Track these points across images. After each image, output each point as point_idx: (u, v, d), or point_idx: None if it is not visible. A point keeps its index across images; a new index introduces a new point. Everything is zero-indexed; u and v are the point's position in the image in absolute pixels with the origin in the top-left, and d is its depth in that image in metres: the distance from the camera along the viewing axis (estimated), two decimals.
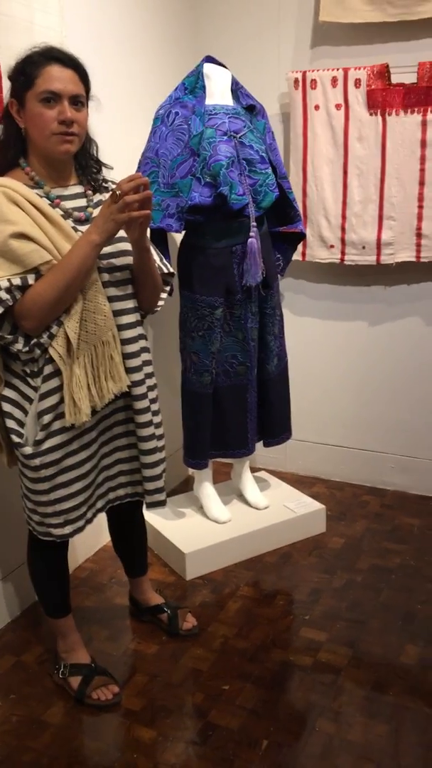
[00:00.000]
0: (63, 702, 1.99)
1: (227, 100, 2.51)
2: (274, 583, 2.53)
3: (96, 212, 1.73)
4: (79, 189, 1.79)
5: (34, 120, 1.65)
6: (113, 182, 1.86)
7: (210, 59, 2.53)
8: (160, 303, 1.93)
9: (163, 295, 1.94)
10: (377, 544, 2.75)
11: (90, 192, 1.80)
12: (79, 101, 1.67)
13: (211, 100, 2.47)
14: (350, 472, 3.27)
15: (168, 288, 1.98)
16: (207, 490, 2.82)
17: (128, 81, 2.64)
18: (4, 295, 1.58)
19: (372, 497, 3.14)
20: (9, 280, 1.58)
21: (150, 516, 2.58)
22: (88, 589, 2.49)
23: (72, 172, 1.79)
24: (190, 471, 3.23)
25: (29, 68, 1.64)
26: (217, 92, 2.49)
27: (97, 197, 1.81)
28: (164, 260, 1.96)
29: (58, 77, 1.63)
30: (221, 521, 2.73)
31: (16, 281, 1.59)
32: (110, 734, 1.88)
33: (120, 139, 2.49)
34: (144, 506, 2.01)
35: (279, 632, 2.25)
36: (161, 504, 1.97)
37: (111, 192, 1.61)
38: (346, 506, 3.06)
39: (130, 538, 2.22)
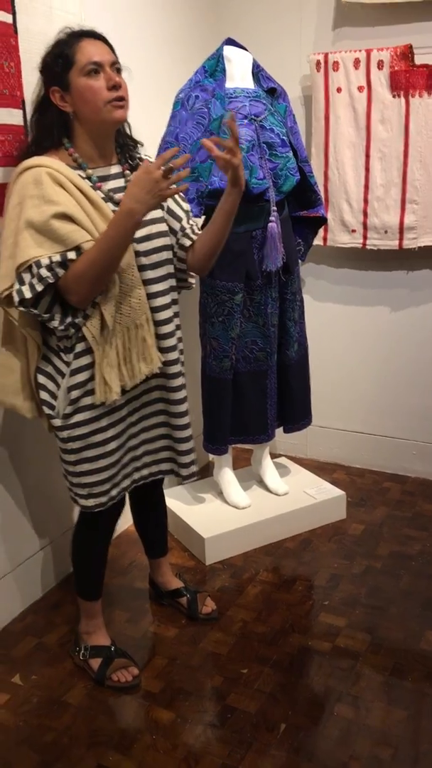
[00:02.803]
0: (83, 683, 2.01)
1: (248, 83, 2.48)
2: (294, 568, 2.53)
3: None
4: (118, 169, 1.82)
5: (84, 95, 1.68)
6: (148, 158, 1.90)
7: (231, 42, 2.51)
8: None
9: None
10: (397, 530, 2.74)
11: (128, 171, 1.83)
12: (118, 67, 1.73)
13: (231, 83, 2.45)
14: (371, 458, 3.26)
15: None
16: (227, 476, 2.82)
17: (148, 65, 2.63)
18: (45, 273, 1.61)
19: (393, 484, 3.12)
20: (50, 257, 1.61)
21: (170, 501, 2.59)
22: (110, 573, 2.50)
23: (114, 151, 1.82)
24: (211, 457, 3.24)
25: (65, 49, 1.68)
26: (238, 75, 2.47)
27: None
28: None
29: (95, 50, 1.68)
30: (241, 507, 2.74)
31: (57, 258, 1.62)
32: (130, 716, 1.90)
33: (140, 123, 2.47)
34: (181, 479, 2.05)
35: (298, 617, 2.26)
36: (195, 476, 2.04)
37: (146, 163, 1.61)
38: (367, 493, 3.05)
39: (152, 514, 2.25)
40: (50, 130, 1.74)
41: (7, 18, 1.85)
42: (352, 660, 2.06)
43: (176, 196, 1.89)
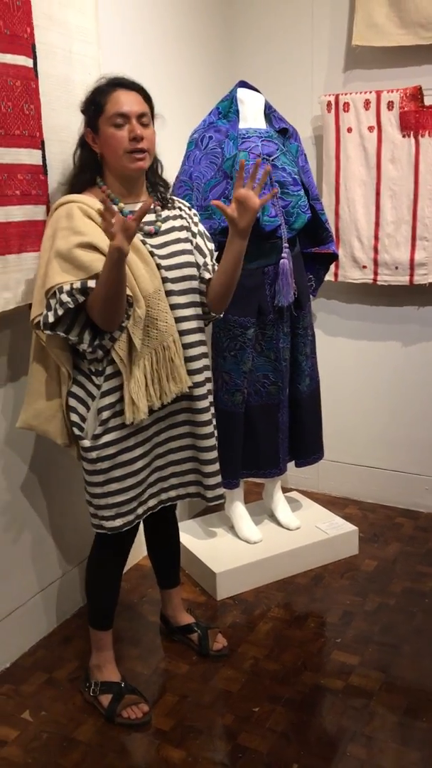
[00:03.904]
0: (93, 720, 1.99)
1: (260, 123, 2.54)
2: (306, 605, 2.51)
3: (165, 226, 1.91)
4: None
5: (108, 142, 1.81)
6: (178, 199, 2.04)
7: (243, 84, 2.58)
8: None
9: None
10: (411, 567, 2.72)
11: (159, 207, 1.93)
12: (144, 121, 1.82)
13: (244, 123, 2.51)
14: (383, 493, 3.24)
15: None
16: (238, 510, 2.81)
17: (163, 106, 2.66)
18: (65, 298, 1.69)
19: (406, 519, 3.10)
20: (71, 284, 1.69)
21: (182, 535, 2.58)
22: (120, 608, 2.48)
23: (143, 189, 1.93)
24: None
25: (98, 97, 1.83)
26: (251, 116, 2.53)
27: (165, 213, 1.94)
28: None
29: (124, 100, 1.80)
30: (252, 541, 2.73)
31: (77, 285, 1.69)
32: (140, 753, 1.88)
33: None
34: (206, 502, 2.06)
35: (310, 655, 2.23)
36: (221, 498, 2.05)
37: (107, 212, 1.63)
38: (379, 528, 3.03)
39: (166, 542, 2.26)
40: (85, 167, 1.89)
41: (28, 62, 1.91)
42: (365, 699, 2.03)
43: (204, 236, 2.00)
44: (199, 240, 1.98)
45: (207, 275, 1.95)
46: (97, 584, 2.07)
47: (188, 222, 1.98)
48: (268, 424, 2.64)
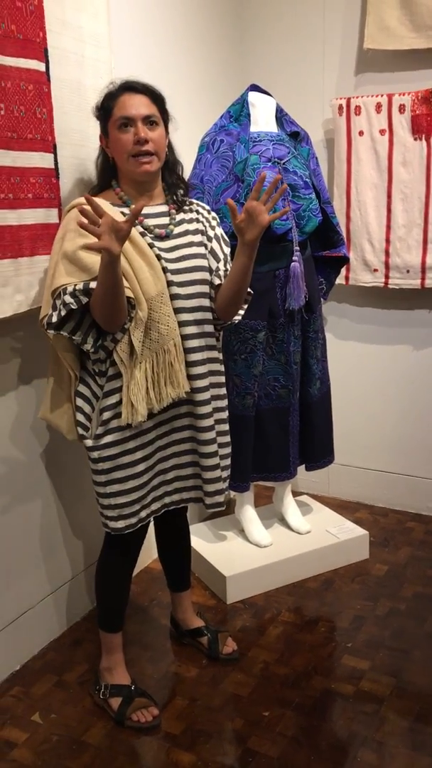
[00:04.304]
0: (103, 723, 1.99)
1: (271, 127, 2.54)
2: (316, 609, 2.50)
3: (177, 229, 1.90)
4: (163, 208, 1.92)
5: (115, 145, 1.85)
6: (197, 202, 2.02)
7: (255, 87, 2.58)
8: (236, 317, 1.99)
9: (241, 312, 2.00)
10: (422, 571, 2.70)
11: (173, 211, 1.92)
12: (153, 121, 1.83)
13: (255, 127, 2.51)
14: (394, 497, 3.23)
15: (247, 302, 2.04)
16: (248, 514, 2.81)
17: (174, 110, 2.68)
18: (69, 299, 1.70)
19: (417, 524, 3.08)
20: (74, 285, 1.70)
21: (192, 538, 2.58)
22: (130, 611, 2.49)
23: (160, 190, 1.93)
24: (232, 494, 3.23)
25: (107, 101, 1.85)
26: (262, 120, 2.53)
27: (180, 216, 1.93)
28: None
29: (130, 103, 1.81)
30: (262, 545, 2.72)
31: (80, 286, 1.70)
32: (149, 757, 1.88)
33: None
34: (205, 508, 2.05)
35: (320, 659, 2.23)
36: (219, 506, 2.03)
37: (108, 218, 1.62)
38: (390, 533, 3.01)
39: (176, 544, 2.26)
40: (103, 171, 1.94)
41: (41, 66, 1.92)
42: (376, 704, 2.02)
43: (221, 241, 1.98)
44: (214, 244, 1.96)
45: (217, 281, 1.93)
46: (106, 585, 2.07)
47: (204, 226, 1.97)
48: (279, 428, 2.64)
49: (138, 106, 1.81)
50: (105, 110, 1.85)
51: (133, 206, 1.66)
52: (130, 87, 1.84)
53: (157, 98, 1.87)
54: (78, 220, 1.59)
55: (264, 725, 1.96)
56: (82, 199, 1.81)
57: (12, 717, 2.02)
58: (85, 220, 1.56)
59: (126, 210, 1.84)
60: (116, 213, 1.78)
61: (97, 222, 1.56)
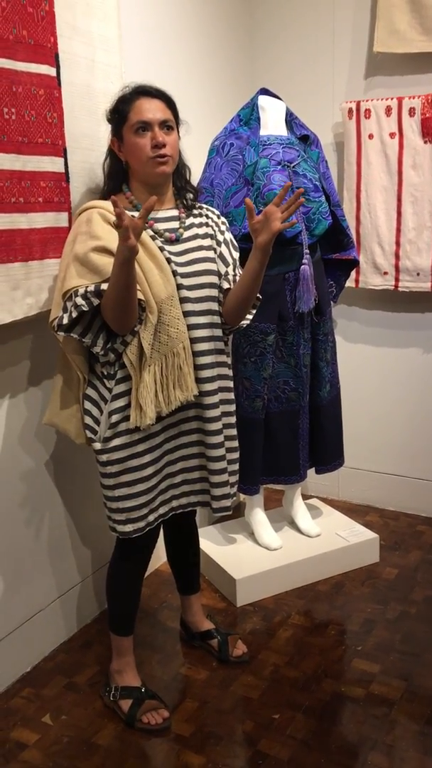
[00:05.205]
0: (113, 725, 1.99)
1: (281, 130, 2.55)
2: (326, 612, 2.49)
3: (187, 233, 1.91)
4: (173, 212, 1.94)
5: (132, 150, 1.85)
6: (207, 207, 2.04)
7: (265, 91, 2.59)
8: (244, 322, 1.99)
9: (249, 316, 2.00)
10: None
11: (183, 215, 1.94)
12: (168, 125, 1.86)
13: (265, 130, 2.51)
14: (405, 501, 3.22)
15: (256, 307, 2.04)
16: (258, 517, 2.81)
17: (185, 114, 2.70)
18: (80, 301, 1.71)
19: (427, 527, 3.07)
20: (86, 287, 1.71)
21: (202, 541, 2.59)
22: (140, 613, 2.48)
23: (170, 195, 1.94)
24: (242, 497, 3.23)
25: (122, 106, 1.86)
26: (272, 123, 2.53)
27: (189, 220, 1.94)
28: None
29: (147, 108, 1.83)
30: (272, 548, 2.72)
31: (91, 288, 1.71)
32: (159, 759, 1.88)
33: None
34: (212, 512, 2.04)
35: (331, 662, 2.22)
36: (226, 510, 2.02)
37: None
38: (401, 536, 3.01)
39: (185, 548, 2.26)
40: (113, 175, 1.94)
41: (51, 71, 1.94)
42: (386, 708, 2.02)
43: (230, 245, 1.99)
44: (223, 248, 1.97)
45: (225, 285, 1.93)
46: (117, 589, 2.07)
47: (214, 230, 1.98)
48: (289, 431, 2.64)
49: (155, 110, 1.83)
50: (120, 114, 1.85)
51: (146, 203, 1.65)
52: (145, 91, 1.86)
53: (170, 103, 1.89)
54: (111, 220, 1.60)
55: (274, 728, 1.96)
56: (93, 203, 1.85)
57: (23, 718, 2.02)
58: (113, 219, 1.56)
59: (136, 214, 1.82)
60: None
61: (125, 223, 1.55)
